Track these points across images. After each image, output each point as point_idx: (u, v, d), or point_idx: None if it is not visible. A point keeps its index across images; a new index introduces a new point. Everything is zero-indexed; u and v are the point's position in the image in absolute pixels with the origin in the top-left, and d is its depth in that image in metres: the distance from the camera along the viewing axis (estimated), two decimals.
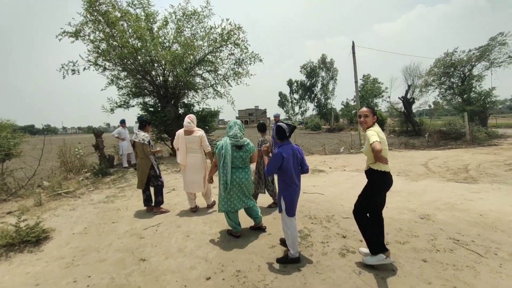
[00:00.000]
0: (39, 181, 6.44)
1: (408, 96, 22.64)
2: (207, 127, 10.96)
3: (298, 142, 14.59)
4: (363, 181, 2.55)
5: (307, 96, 43.50)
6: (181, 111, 10.94)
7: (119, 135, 8.03)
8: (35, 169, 6.04)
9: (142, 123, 4.23)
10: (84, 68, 8.79)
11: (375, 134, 2.25)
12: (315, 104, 42.22)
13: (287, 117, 50.78)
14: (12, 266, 2.72)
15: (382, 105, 35.03)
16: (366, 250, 2.62)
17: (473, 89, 16.41)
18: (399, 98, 22.75)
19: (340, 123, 40.58)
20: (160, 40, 9.44)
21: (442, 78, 17.52)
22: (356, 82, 12.70)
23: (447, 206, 3.85)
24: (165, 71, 9.88)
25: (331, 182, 5.67)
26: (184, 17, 9.77)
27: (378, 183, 2.40)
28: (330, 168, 7.49)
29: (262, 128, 4.20)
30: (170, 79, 10.31)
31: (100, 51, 8.54)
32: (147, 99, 10.94)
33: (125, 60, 8.96)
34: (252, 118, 76.67)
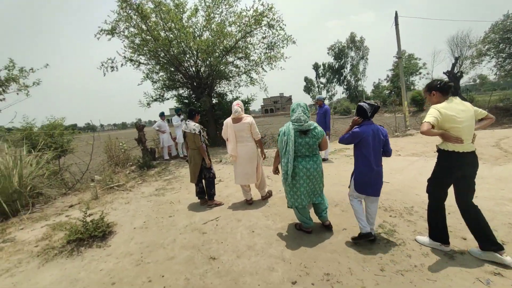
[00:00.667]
0: (91, 175, 6.72)
1: (455, 70, 20.34)
2: None
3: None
4: (430, 166, 2.21)
5: (335, 79, 41.39)
6: (214, 100, 10.81)
7: (159, 128, 8.09)
8: (87, 164, 6.27)
9: (192, 113, 4.01)
10: (122, 65, 8.92)
11: (431, 114, 2.09)
12: (344, 86, 40.06)
13: (315, 102, 49.21)
14: (85, 262, 2.69)
15: (419, 83, 32.22)
16: (478, 251, 2.15)
17: None
18: (444, 73, 20.54)
19: None
20: (191, 29, 9.24)
21: (501, 45, 15.19)
22: (399, 57, 11.46)
23: None
24: (198, 61, 9.70)
25: (392, 168, 5.08)
26: (213, 3, 9.39)
27: (443, 163, 2.22)
28: None
29: None
30: (202, 69, 10.14)
31: (135, 46, 8.59)
32: (181, 91, 10.95)
33: (159, 53, 8.93)
34: (278, 106, 75.46)
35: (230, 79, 10.95)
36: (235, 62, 10.51)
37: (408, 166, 5.26)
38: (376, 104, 2.51)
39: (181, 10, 9.21)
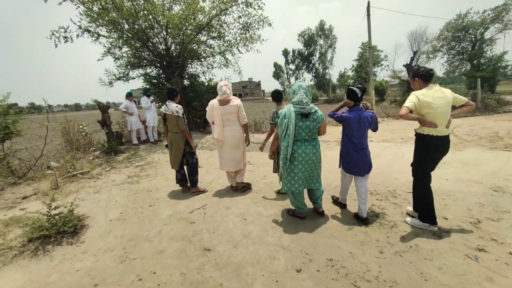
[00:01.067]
0: (46, 161, 5.87)
1: (413, 64, 21.97)
2: None
3: None
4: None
5: (304, 66, 41.94)
6: (186, 82, 10.13)
7: (126, 110, 7.31)
8: (41, 149, 5.44)
9: (173, 93, 3.62)
10: (78, 35, 7.71)
11: (410, 99, 2.25)
12: (313, 74, 40.90)
13: (283, 89, 49.51)
14: (55, 262, 2.32)
15: (381, 74, 34.22)
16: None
17: (484, 53, 15.79)
18: (403, 65, 22.11)
19: (338, 94, 39.80)
20: (160, 1, 8.32)
21: (452, 42, 16.73)
22: (370, 47, 11.92)
23: None
24: (167, 37, 8.86)
25: None
26: None
27: (420, 146, 2.43)
28: None
29: (277, 97, 3.46)
30: (172, 46, 9.33)
31: (94, 14, 7.41)
32: (148, 70, 10.00)
33: (122, 25, 7.91)
34: (246, 91, 74.57)
35: (203, 59, 10.31)
36: (208, 41, 9.87)
37: (383, 152, 5.58)
38: (363, 87, 2.70)
39: None
